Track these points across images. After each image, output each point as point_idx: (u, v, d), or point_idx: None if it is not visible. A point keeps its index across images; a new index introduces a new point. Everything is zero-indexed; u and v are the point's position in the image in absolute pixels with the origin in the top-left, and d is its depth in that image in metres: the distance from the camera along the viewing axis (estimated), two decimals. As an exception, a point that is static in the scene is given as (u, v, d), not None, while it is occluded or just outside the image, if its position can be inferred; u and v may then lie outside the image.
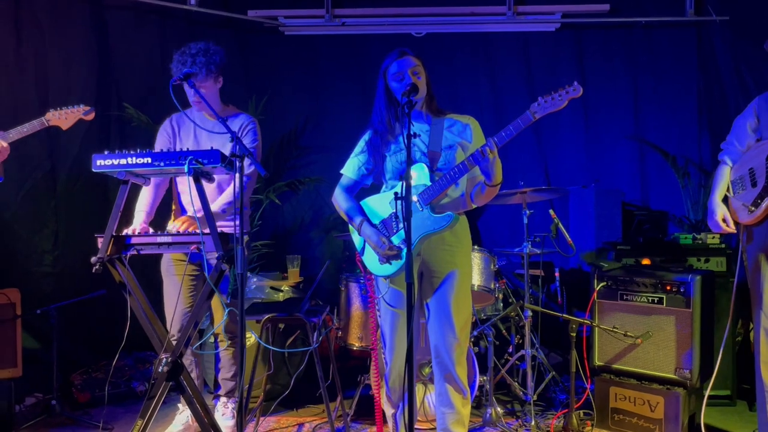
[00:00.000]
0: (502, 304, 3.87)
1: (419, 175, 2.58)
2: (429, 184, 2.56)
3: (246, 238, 2.81)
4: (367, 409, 3.38)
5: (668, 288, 3.16)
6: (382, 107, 2.68)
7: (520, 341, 3.82)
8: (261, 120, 4.61)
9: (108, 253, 2.46)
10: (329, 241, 4.99)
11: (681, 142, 4.79)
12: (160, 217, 3.22)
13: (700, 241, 3.79)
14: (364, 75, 4.85)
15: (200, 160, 2.41)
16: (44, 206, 4.22)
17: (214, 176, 2.70)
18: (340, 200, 2.79)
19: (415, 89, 2.49)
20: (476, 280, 3.57)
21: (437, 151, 2.63)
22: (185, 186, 3.16)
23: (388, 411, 2.82)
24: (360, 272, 3.08)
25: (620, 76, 4.87)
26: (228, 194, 3.07)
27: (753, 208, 2.83)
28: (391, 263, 2.58)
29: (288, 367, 3.88)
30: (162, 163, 2.43)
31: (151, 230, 2.92)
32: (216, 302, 3.21)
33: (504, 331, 4.05)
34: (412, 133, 2.32)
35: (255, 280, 4.16)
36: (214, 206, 2.99)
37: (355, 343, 3.57)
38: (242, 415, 2.39)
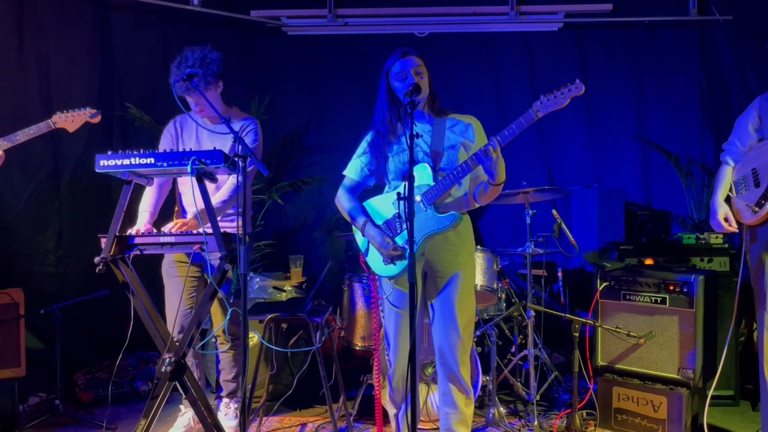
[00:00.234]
0: (504, 304, 3.87)
1: (422, 176, 2.58)
2: (432, 184, 2.56)
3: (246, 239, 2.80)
4: (370, 409, 3.38)
5: (671, 288, 3.16)
6: (384, 107, 2.68)
7: (523, 341, 3.81)
8: (263, 120, 4.61)
9: (111, 253, 2.47)
10: (332, 241, 4.99)
11: (684, 141, 4.79)
12: (163, 218, 3.22)
13: (704, 241, 3.79)
14: (366, 75, 4.86)
15: (203, 160, 2.41)
16: (48, 206, 4.23)
17: (217, 176, 2.70)
18: (343, 201, 2.79)
19: (417, 89, 2.49)
20: (479, 280, 3.57)
21: (439, 151, 2.63)
22: (186, 187, 3.16)
23: (391, 411, 2.82)
24: (363, 272, 3.08)
25: (623, 75, 4.86)
26: (222, 193, 3.06)
27: (756, 209, 2.82)
28: (395, 264, 2.58)
29: (291, 367, 3.88)
30: (165, 164, 2.44)
31: (154, 230, 2.93)
32: (215, 304, 3.21)
33: (507, 331, 4.05)
34: (414, 133, 2.32)
35: (258, 280, 4.16)
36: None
37: (358, 343, 3.57)
38: (245, 415, 2.39)
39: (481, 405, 3.57)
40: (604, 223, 4.49)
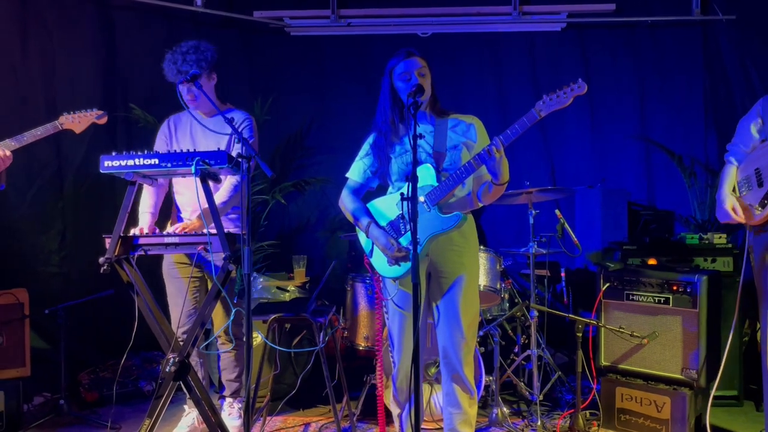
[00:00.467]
0: (508, 304, 3.86)
1: (425, 176, 2.58)
2: (435, 184, 2.57)
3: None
4: (373, 409, 3.38)
5: (675, 288, 3.16)
6: (387, 107, 2.68)
7: (526, 341, 3.81)
8: (267, 120, 4.63)
9: (116, 254, 2.48)
10: (335, 241, 5.00)
11: (687, 141, 4.79)
12: (160, 218, 3.23)
13: (707, 241, 3.78)
14: (369, 75, 4.86)
15: (207, 161, 2.42)
16: (51, 207, 4.24)
17: (221, 177, 2.70)
18: (346, 202, 2.79)
19: (420, 90, 2.49)
20: (482, 280, 3.56)
21: (442, 151, 2.63)
22: (181, 186, 3.17)
23: (395, 411, 2.82)
24: (366, 272, 3.08)
25: (626, 75, 4.86)
26: (222, 194, 3.04)
27: (760, 209, 2.82)
28: (400, 265, 2.59)
29: (294, 367, 3.88)
30: (169, 164, 2.44)
31: (158, 231, 2.93)
32: (216, 305, 3.21)
33: (510, 331, 4.05)
34: (417, 134, 2.33)
35: (261, 280, 4.17)
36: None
37: (361, 343, 3.57)
38: (249, 414, 2.40)
39: (484, 405, 3.57)
40: (608, 223, 4.49)
